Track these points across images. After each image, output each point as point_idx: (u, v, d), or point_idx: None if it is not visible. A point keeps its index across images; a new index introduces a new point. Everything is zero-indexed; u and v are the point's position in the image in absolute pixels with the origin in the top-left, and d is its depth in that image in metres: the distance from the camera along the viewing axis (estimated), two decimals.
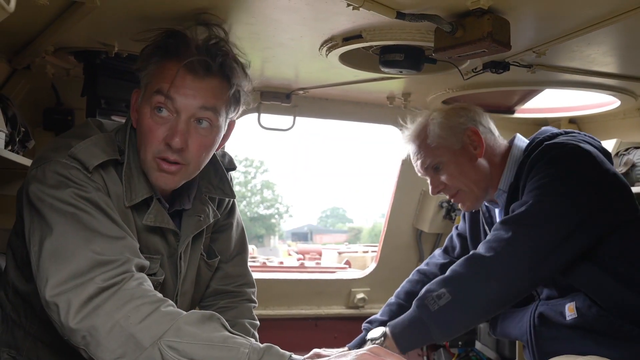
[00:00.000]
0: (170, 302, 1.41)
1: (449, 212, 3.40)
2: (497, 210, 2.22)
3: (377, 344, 1.85)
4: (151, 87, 1.57)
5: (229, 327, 1.38)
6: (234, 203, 1.98)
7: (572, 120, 3.31)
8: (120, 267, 1.39)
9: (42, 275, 1.38)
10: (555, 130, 2.09)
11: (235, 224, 2.01)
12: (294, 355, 1.33)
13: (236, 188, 1.77)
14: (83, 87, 2.31)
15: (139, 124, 1.60)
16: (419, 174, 2.24)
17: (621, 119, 3.08)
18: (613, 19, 1.66)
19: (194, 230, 1.75)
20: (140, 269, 1.46)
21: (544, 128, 2.14)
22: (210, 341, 1.31)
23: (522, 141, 2.16)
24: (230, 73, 1.60)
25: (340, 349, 1.89)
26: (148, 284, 1.43)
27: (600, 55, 2.11)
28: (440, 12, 1.64)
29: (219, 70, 1.57)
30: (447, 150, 2.12)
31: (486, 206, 2.27)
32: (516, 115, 3.15)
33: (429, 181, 2.21)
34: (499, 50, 1.68)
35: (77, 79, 2.41)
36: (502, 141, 2.19)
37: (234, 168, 1.93)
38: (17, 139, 2.19)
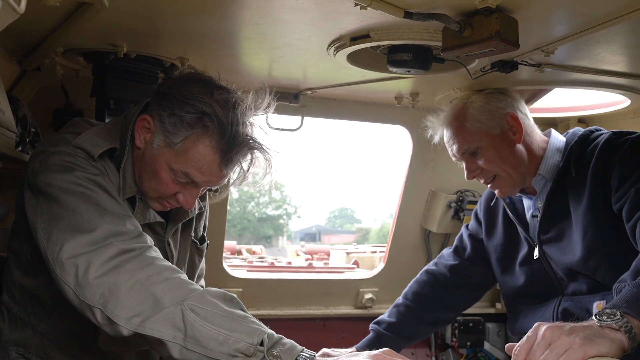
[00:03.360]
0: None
1: (458, 212, 3.39)
2: (526, 201, 2.19)
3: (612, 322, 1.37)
4: (179, 158, 1.59)
5: (247, 311, 1.43)
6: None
7: (581, 120, 3.28)
8: (136, 237, 1.46)
9: (55, 244, 1.40)
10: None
11: (207, 219, 2.10)
12: (305, 350, 1.36)
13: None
14: (92, 88, 2.33)
15: (150, 166, 1.63)
16: (454, 159, 2.21)
17: (631, 118, 3.05)
18: (622, 17, 1.65)
19: (181, 220, 1.82)
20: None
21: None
22: (231, 314, 1.35)
23: (558, 134, 2.17)
24: (252, 166, 1.68)
25: (349, 349, 1.89)
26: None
27: (609, 54, 2.09)
28: (448, 11, 1.63)
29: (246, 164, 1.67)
30: (486, 134, 2.09)
31: (509, 198, 2.25)
32: None
33: (464, 166, 2.17)
34: (507, 49, 1.67)
35: (87, 80, 2.43)
36: (537, 129, 2.19)
37: None
38: (28, 140, 2.20)
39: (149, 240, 1.51)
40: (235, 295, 1.44)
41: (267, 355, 1.31)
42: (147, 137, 1.64)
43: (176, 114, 1.57)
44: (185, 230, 1.90)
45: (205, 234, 2.06)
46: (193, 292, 1.37)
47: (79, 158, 1.55)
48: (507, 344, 1.47)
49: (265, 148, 1.64)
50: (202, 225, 2.03)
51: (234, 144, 1.57)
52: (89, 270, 1.36)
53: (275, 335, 1.37)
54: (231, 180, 1.72)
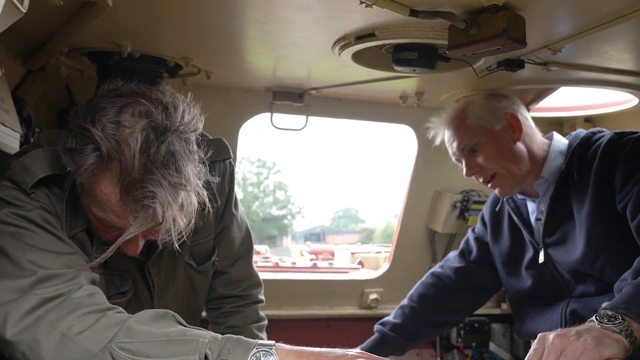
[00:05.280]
0: (122, 309, 1.34)
1: (463, 212, 3.37)
2: (530, 205, 2.18)
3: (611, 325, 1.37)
4: (91, 200, 1.37)
5: (185, 323, 1.33)
6: (227, 207, 1.88)
7: (587, 119, 3.26)
8: (68, 281, 1.33)
9: None
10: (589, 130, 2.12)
11: (234, 227, 1.95)
12: (262, 342, 1.28)
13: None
14: (97, 87, 2.32)
15: (86, 212, 1.45)
16: (454, 158, 2.21)
17: (639, 117, 3.02)
18: (631, 14, 1.63)
19: (165, 244, 1.61)
20: (92, 282, 1.40)
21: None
22: (167, 336, 1.26)
23: (560, 136, 2.17)
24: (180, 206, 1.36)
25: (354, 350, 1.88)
26: (100, 297, 1.36)
27: (617, 52, 2.07)
28: (454, 9, 1.62)
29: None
30: (485, 130, 2.10)
31: (513, 202, 2.24)
32: (531, 114, 3.10)
33: (463, 163, 2.17)
34: (514, 48, 1.65)
35: (91, 80, 2.43)
36: (539, 133, 2.19)
37: (225, 158, 1.80)
38: (32, 140, 2.20)
39: (84, 278, 1.36)
40: (167, 310, 1.34)
41: None
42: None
43: (69, 147, 1.34)
44: (174, 254, 1.73)
45: (218, 249, 1.90)
46: (118, 327, 1.26)
47: (10, 191, 1.40)
48: None
49: (175, 182, 1.31)
50: (209, 241, 1.86)
51: (137, 179, 1.28)
52: (6, 325, 1.26)
53: (220, 337, 1.27)
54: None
